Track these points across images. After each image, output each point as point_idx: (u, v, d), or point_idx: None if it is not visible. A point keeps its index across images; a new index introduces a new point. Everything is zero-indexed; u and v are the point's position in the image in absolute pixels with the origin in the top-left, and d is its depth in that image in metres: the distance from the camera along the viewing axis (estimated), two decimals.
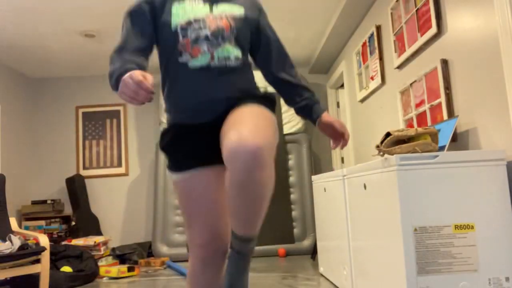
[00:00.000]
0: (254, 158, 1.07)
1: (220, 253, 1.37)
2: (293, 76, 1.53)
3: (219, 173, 1.38)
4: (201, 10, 1.39)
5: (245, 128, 1.10)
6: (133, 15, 1.38)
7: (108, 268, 3.82)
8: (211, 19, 1.38)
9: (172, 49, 1.37)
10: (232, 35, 1.38)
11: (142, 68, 1.31)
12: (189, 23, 1.36)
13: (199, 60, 1.34)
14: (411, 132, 1.98)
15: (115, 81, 1.24)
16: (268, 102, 1.39)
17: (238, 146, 1.07)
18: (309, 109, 1.51)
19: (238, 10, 1.44)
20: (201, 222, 1.34)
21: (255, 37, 1.50)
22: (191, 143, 1.36)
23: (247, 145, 1.07)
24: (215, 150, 1.35)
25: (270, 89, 4.73)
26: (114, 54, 1.32)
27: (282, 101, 4.95)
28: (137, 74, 1.13)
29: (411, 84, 2.88)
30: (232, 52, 1.38)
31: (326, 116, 1.49)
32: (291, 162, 4.89)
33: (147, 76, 1.14)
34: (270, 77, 1.54)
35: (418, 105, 2.79)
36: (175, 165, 1.38)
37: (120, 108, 5.40)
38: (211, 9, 1.40)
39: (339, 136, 1.51)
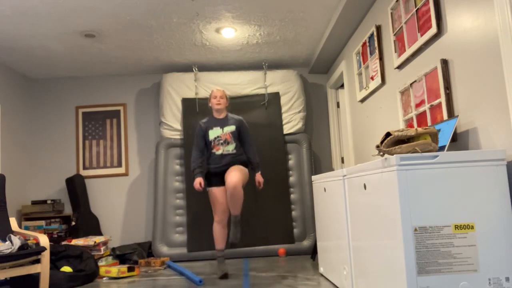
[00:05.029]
0: (234, 187, 3.37)
1: (224, 221, 3.61)
2: (253, 152, 3.72)
3: (224, 189, 3.61)
4: (218, 132, 3.63)
5: (231, 177, 3.39)
6: (197, 133, 3.70)
7: (108, 268, 3.82)
8: (222, 135, 3.62)
9: (210, 146, 3.64)
10: (231, 139, 3.62)
11: (202, 166, 3.67)
12: (215, 138, 3.62)
13: (219, 152, 3.61)
14: (411, 132, 1.98)
15: (193, 176, 3.71)
16: (244, 163, 3.67)
17: (229, 183, 3.38)
18: (253, 169, 3.75)
19: (232, 128, 3.65)
20: (218, 207, 3.60)
21: (240, 136, 3.69)
22: (215, 177, 3.63)
23: (232, 183, 3.37)
24: (223, 181, 3.61)
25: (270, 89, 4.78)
26: (193, 152, 3.67)
27: (282, 102, 4.96)
28: (196, 182, 3.59)
29: (411, 84, 2.88)
30: (231, 148, 3.61)
31: (257, 175, 3.76)
32: (291, 162, 4.89)
33: (201, 183, 3.60)
34: (244, 149, 3.71)
35: (418, 105, 2.79)
36: (209, 183, 3.65)
37: (120, 108, 5.41)
38: (223, 131, 3.63)
39: (258, 184, 3.78)
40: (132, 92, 5.46)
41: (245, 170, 3.57)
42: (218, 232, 3.58)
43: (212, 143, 3.61)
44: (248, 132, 3.70)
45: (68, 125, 5.36)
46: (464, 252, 1.79)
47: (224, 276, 3.50)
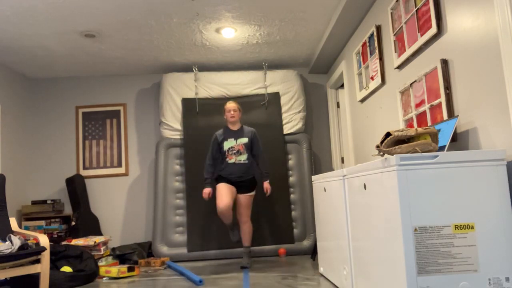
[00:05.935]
0: (245, 222, 4.06)
1: (227, 212, 3.86)
2: (262, 161, 4.08)
3: (232, 187, 3.99)
4: (232, 143, 4.03)
5: (244, 216, 4.05)
6: (213, 142, 4.08)
7: (108, 268, 3.82)
8: (236, 146, 4.02)
9: (224, 155, 4.04)
10: (244, 150, 4.01)
11: (213, 177, 4.08)
12: (229, 148, 4.02)
13: (232, 160, 4.00)
14: (411, 132, 1.98)
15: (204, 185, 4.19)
16: (254, 181, 4.08)
17: (241, 218, 4.06)
18: (262, 177, 4.08)
19: (245, 140, 4.04)
20: (220, 197, 3.87)
21: (252, 146, 4.07)
22: (226, 180, 4.00)
23: (243, 221, 4.05)
24: (232, 184, 4.02)
25: (271, 89, 4.79)
26: (207, 161, 4.08)
27: (282, 102, 4.96)
28: (205, 192, 4.01)
29: (411, 84, 2.88)
30: (243, 157, 4.01)
31: (265, 183, 4.07)
32: (291, 162, 4.89)
33: (210, 193, 4.02)
34: (255, 159, 4.10)
35: (418, 105, 2.79)
36: (219, 181, 4.01)
37: (120, 108, 5.41)
38: (236, 142, 4.03)
39: (265, 190, 4.08)
40: (132, 92, 5.46)
41: (253, 195, 4.08)
42: (223, 214, 3.88)
43: (226, 153, 4.01)
44: (259, 143, 4.09)
45: (68, 125, 5.36)
46: (464, 252, 1.79)
47: (238, 241, 4.12)
